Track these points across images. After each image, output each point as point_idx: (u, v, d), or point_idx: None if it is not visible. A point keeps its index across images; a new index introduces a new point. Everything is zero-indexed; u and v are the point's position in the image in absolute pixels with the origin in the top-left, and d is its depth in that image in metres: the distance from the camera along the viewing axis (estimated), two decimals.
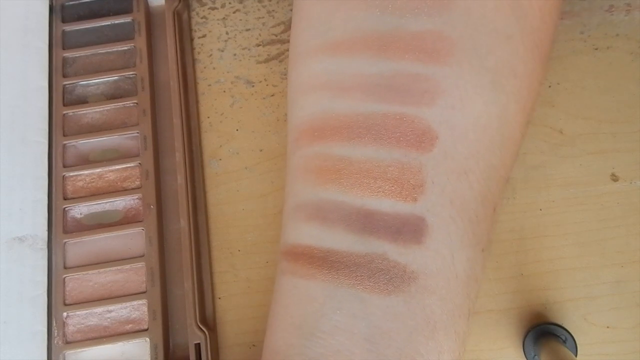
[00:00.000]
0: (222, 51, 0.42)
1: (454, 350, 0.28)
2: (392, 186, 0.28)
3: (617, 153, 0.38)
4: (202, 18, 0.43)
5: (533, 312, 0.35)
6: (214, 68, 0.41)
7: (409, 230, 0.28)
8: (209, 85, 0.41)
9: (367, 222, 0.28)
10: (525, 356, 0.34)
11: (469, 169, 0.29)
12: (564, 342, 0.33)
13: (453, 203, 0.28)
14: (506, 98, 0.29)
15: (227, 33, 0.42)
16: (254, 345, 0.35)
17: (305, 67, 0.32)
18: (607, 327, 0.35)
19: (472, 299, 0.29)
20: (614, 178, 0.37)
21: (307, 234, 0.29)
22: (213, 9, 0.43)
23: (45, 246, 0.36)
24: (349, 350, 0.27)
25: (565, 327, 0.34)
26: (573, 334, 0.33)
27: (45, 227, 0.36)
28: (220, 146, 0.40)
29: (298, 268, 0.29)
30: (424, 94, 0.28)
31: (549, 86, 0.39)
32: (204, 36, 0.42)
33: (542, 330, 0.34)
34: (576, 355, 0.33)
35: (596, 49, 0.40)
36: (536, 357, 0.33)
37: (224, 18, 0.43)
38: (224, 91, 0.41)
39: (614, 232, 0.36)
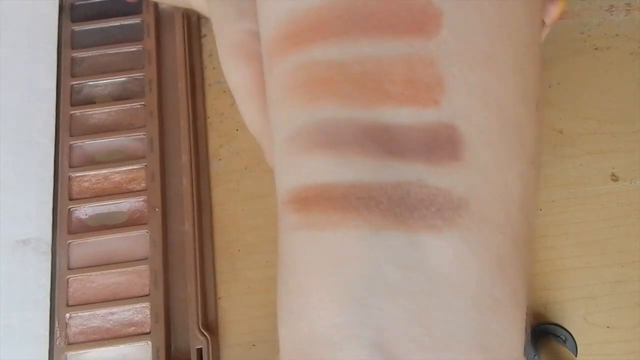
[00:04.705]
0: None
1: (524, 287, 0.23)
2: (404, 88, 0.22)
3: (617, 153, 0.38)
4: (202, 18, 0.43)
5: (533, 312, 0.35)
6: (213, 68, 0.41)
7: (441, 143, 0.22)
8: (209, 85, 0.41)
9: (387, 141, 0.22)
10: (526, 356, 0.34)
11: (493, 51, 0.22)
12: (564, 342, 0.33)
13: (484, 101, 0.22)
14: None
15: None
16: (253, 345, 0.36)
17: None
18: (607, 327, 0.35)
19: (530, 227, 0.24)
20: (614, 178, 0.37)
21: (315, 169, 0.23)
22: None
23: (49, 249, 0.36)
24: (414, 313, 0.21)
25: (565, 327, 0.34)
26: (573, 334, 0.33)
27: (49, 230, 0.36)
28: (221, 146, 0.40)
29: (315, 217, 0.22)
30: None
31: (549, 86, 0.39)
32: (204, 36, 0.42)
33: (542, 330, 0.34)
34: (576, 355, 0.33)
35: (596, 49, 0.40)
36: (536, 357, 0.33)
37: None
38: (224, 91, 0.41)
39: (614, 232, 0.36)
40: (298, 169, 0.23)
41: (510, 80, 0.23)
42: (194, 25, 0.42)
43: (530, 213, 0.24)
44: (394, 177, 0.21)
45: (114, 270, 0.35)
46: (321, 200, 0.22)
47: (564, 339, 0.33)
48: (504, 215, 0.22)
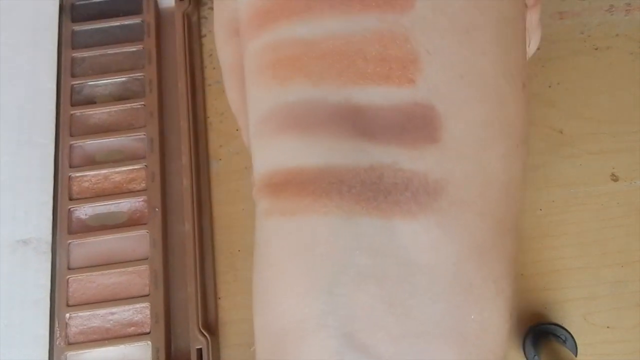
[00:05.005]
0: None
1: (508, 275, 0.22)
2: (377, 67, 0.21)
3: (617, 153, 0.38)
4: (202, 18, 0.43)
5: (533, 312, 0.35)
6: (213, 68, 0.41)
7: (417, 125, 0.21)
8: (209, 85, 0.41)
9: (360, 122, 0.21)
10: (526, 356, 0.34)
11: (472, 24, 0.21)
12: (564, 342, 0.33)
13: (463, 75, 0.21)
14: None
15: None
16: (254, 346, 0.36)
17: None
18: (607, 327, 0.35)
19: (514, 213, 0.23)
20: (614, 178, 0.37)
21: (284, 152, 0.22)
22: (213, 8, 0.43)
23: (49, 249, 0.36)
24: (386, 301, 0.20)
25: (565, 327, 0.34)
26: (573, 334, 0.33)
27: (49, 230, 0.36)
28: (221, 146, 0.40)
29: (285, 203, 0.22)
30: None
31: (549, 86, 0.39)
32: (204, 36, 0.42)
33: (542, 330, 0.34)
34: (576, 355, 0.33)
35: (596, 49, 0.40)
36: (536, 357, 0.33)
37: None
38: (224, 91, 0.41)
39: (614, 232, 0.36)
40: (268, 153, 0.23)
41: (490, 53, 0.22)
42: (194, 25, 0.42)
43: (517, 198, 0.23)
44: (367, 161, 0.21)
45: (114, 270, 0.35)
46: (291, 185, 0.21)
47: (564, 339, 0.33)
48: (485, 199, 0.21)
